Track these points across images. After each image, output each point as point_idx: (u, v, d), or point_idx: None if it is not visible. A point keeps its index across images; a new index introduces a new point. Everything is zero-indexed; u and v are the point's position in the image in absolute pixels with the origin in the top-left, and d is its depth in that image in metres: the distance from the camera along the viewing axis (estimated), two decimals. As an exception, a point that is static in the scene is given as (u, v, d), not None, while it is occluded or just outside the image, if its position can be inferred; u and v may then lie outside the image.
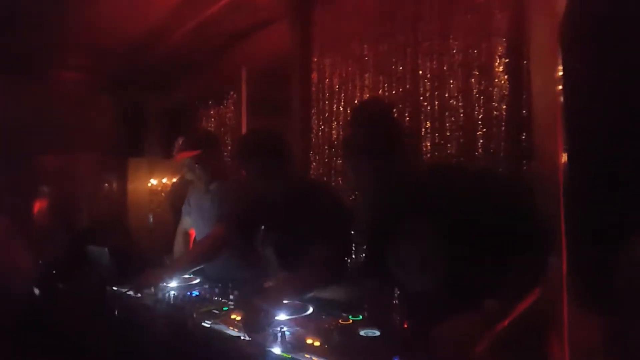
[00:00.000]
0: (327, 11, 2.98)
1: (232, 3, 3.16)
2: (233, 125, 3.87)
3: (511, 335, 1.14)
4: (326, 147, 2.99)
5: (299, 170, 2.80)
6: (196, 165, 2.26)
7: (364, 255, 1.72)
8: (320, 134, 3.03)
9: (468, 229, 1.21)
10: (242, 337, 1.24)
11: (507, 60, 2.11)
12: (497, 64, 2.14)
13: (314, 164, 3.04)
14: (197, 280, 2.07)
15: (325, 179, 2.99)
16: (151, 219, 4.91)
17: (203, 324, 1.37)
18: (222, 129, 4.01)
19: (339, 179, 2.91)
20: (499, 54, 2.14)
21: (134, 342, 1.47)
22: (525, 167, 2.03)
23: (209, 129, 4.05)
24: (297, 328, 1.30)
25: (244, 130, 3.80)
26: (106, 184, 4.95)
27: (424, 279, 1.31)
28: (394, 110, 1.52)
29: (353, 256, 1.88)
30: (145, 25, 3.51)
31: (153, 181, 5.04)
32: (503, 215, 1.22)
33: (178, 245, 2.60)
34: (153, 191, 5.03)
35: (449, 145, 2.33)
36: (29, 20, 3.26)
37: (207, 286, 1.93)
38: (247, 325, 1.24)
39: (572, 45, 1.56)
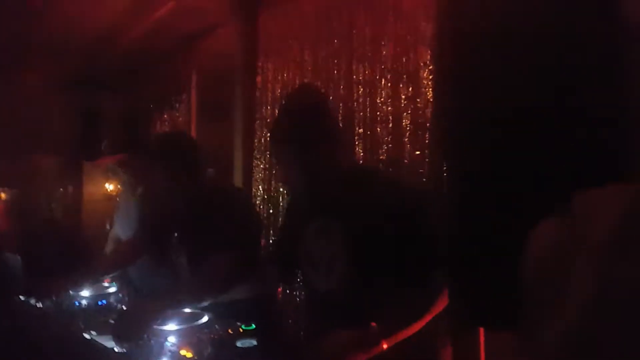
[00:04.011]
0: (271, 15, 2.97)
1: (179, 7, 3.14)
2: (185, 129, 3.82)
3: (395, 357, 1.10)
4: (268, 152, 2.96)
5: (213, 177, 2.74)
6: (121, 169, 2.21)
7: (273, 247, 1.67)
8: (263, 139, 3.00)
9: (374, 237, 1.17)
10: (115, 349, 1.20)
11: (431, 67, 2.12)
12: (422, 72, 2.15)
13: (256, 169, 3.01)
14: (114, 289, 2.01)
15: (266, 185, 2.96)
16: (108, 226, 4.79)
17: (85, 335, 1.32)
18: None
19: (279, 185, 2.88)
20: (425, 61, 2.15)
21: (18, 354, 1.41)
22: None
23: (135, 130, 3.97)
24: (180, 338, 1.26)
25: (194, 133, 3.75)
26: (61, 188, 4.83)
27: (326, 283, 1.28)
28: (327, 101, 1.47)
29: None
30: (99, 27, 3.46)
31: (109, 186, 4.93)
32: (404, 229, 1.17)
33: (108, 253, 2.54)
34: (108, 196, 4.92)
35: (380, 151, 2.33)
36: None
37: (120, 295, 1.88)
38: (115, 334, 1.19)
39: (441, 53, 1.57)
